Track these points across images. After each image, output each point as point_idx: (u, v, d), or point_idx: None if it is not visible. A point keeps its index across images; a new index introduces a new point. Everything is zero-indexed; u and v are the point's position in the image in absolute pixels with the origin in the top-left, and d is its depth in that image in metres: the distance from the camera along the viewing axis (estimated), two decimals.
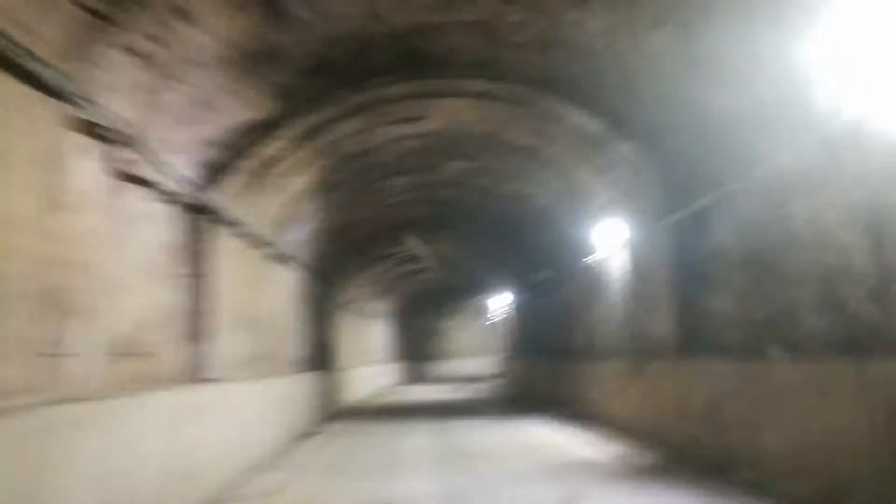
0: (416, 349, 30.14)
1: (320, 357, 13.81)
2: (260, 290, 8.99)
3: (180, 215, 6.38)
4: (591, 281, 10.19)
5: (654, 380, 7.61)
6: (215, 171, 6.75)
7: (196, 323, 6.55)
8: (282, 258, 10.03)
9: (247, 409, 7.47)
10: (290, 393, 10.11)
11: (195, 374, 6.47)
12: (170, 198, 6.10)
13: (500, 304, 19.72)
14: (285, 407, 9.56)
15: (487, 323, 38.60)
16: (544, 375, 13.74)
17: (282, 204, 9.07)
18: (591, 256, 9.91)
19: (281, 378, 9.67)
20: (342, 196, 10.91)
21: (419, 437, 9.72)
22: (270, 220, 8.93)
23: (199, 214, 6.65)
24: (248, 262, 8.34)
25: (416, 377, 29.04)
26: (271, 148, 7.28)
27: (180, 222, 6.41)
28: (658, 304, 7.56)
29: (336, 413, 14.28)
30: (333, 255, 13.83)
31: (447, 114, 8.60)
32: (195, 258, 6.61)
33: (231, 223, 7.27)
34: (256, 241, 8.45)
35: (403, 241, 16.94)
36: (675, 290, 7.09)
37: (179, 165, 6.07)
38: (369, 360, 22.30)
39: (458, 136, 9.47)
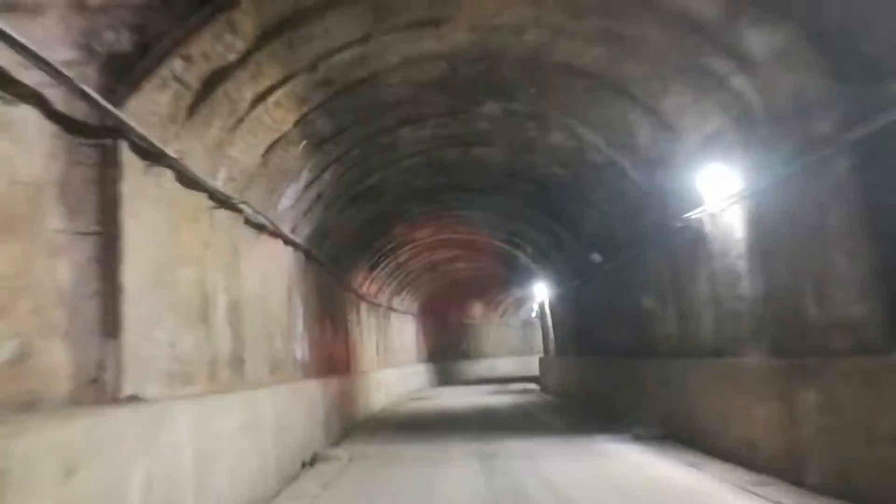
0: (445, 348, 27.63)
1: (335, 358, 11.43)
2: (236, 267, 6.58)
3: (66, 136, 3.98)
4: (687, 251, 7.51)
5: (843, 388, 4.67)
6: (129, 74, 4.33)
7: (107, 308, 4.15)
8: (271, 229, 7.62)
9: (210, 438, 5.05)
10: (290, 406, 7.69)
11: (105, 391, 4.07)
12: (40, 102, 3.71)
13: (544, 292, 17.11)
14: (281, 426, 7.13)
15: (529, 316, 35.91)
16: (611, 378, 11.06)
17: (261, 151, 6.65)
18: (686, 217, 7.23)
19: (275, 388, 7.25)
20: (345, 152, 8.47)
21: (462, 469, 7.03)
22: (244, 172, 6.51)
23: (106, 139, 4.24)
24: (212, 227, 5.93)
25: (445, 379, 26.53)
26: (220, 45, 4.83)
27: (67, 148, 4.00)
28: (834, 271, 4.79)
29: (355, 426, 11.86)
30: (345, 236, 11.41)
31: (479, 13, 6.05)
32: (102, 207, 4.21)
33: (166, 160, 4.84)
34: (223, 198, 6.04)
35: (424, 220, 14.48)
36: (880, 246, 4.36)
37: (54, 49, 3.67)
38: (394, 360, 19.89)
39: (495, 55, 6.93)
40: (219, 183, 6.02)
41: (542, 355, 20.47)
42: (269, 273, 7.74)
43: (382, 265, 16.52)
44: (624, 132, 7.68)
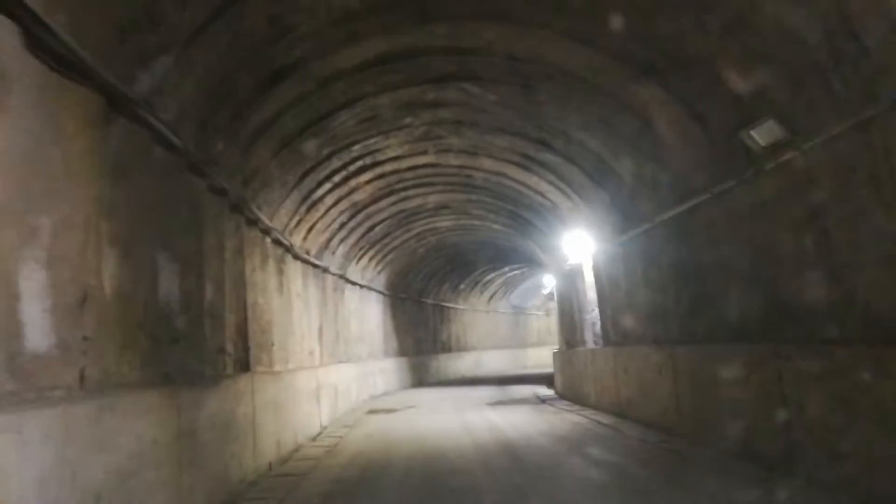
0: (421, 338, 21.43)
1: (197, 346, 5.26)
2: None
3: None
4: None
5: None
6: None
7: None
8: None
9: None
10: None
11: None
12: None
13: (582, 246, 10.90)
14: None
15: (521, 302, 29.80)
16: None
17: None
18: None
19: None
20: None
21: None
22: None
23: None
24: None
25: (420, 377, 20.37)
26: None
27: None
28: None
29: (241, 491, 5.69)
30: (218, 61, 5.22)
31: None
32: None
33: None
34: None
35: (396, 106, 8.32)
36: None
37: None
38: (350, 353, 13.71)
39: None
40: None
41: (560, 348, 14.45)
42: None
43: (328, 200, 10.30)
44: None
